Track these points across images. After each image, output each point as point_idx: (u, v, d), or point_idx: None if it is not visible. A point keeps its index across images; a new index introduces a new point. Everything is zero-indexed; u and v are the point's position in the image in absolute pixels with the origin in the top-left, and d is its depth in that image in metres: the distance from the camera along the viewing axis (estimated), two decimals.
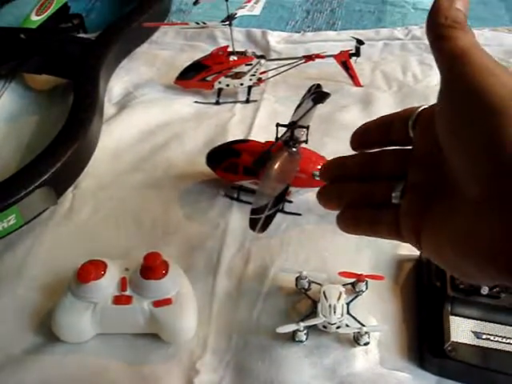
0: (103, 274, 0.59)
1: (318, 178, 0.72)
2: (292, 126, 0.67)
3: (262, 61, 0.98)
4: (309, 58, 0.97)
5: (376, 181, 0.45)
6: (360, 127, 0.47)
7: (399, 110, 0.44)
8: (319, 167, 0.71)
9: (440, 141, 0.36)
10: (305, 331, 0.60)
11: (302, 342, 0.60)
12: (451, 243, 0.34)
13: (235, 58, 0.96)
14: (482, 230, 0.31)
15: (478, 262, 0.32)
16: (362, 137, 0.47)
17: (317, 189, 0.73)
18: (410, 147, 0.43)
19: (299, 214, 0.76)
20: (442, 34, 0.36)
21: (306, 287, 0.65)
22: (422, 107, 0.41)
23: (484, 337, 0.58)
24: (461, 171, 0.34)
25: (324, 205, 0.49)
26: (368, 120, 0.47)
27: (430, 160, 0.39)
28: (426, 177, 0.40)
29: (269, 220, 0.65)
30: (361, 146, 0.47)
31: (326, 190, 0.49)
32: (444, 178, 0.37)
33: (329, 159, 0.50)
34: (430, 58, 1.07)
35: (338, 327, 0.59)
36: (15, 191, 0.70)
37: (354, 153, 0.48)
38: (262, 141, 0.76)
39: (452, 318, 0.59)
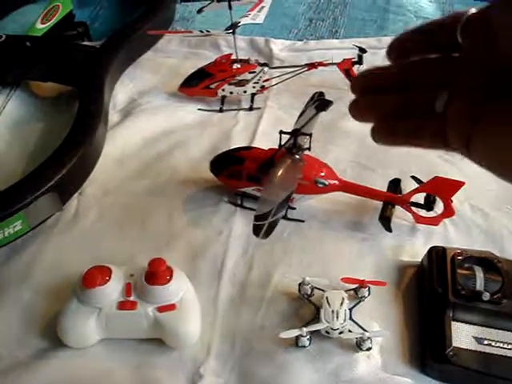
0: (108, 280, 0.60)
1: (321, 185, 0.72)
2: (295, 133, 0.67)
3: (265, 69, 0.98)
4: (312, 65, 0.98)
5: (415, 90, 0.42)
6: (400, 35, 0.43)
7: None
8: (322, 174, 0.73)
9: (501, 37, 0.34)
10: (308, 336, 0.61)
11: (305, 347, 0.61)
12: (507, 148, 0.34)
13: (238, 66, 0.97)
14: None
15: None
16: (403, 45, 0.43)
17: (319, 196, 0.75)
18: (455, 54, 0.40)
19: (302, 221, 0.77)
20: None
21: (309, 293, 0.66)
22: (471, 11, 0.38)
23: (485, 342, 0.58)
24: None
25: (357, 116, 0.45)
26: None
27: (484, 65, 0.37)
28: (478, 83, 0.37)
29: (272, 226, 0.66)
30: (399, 54, 0.43)
31: (359, 102, 0.45)
32: (503, 82, 0.35)
33: (361, 71, 0.46)
34: None
35: (340, 332, 0.60)
36: (21, 197, 0.71)
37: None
38: (265, 148, 0.77)
39: (453, 324, 0.59)
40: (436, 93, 0.40)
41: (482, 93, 0.37)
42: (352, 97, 0.43)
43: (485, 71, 0.37)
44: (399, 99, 0.43)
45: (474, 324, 0.59)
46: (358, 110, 0.45)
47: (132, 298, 0.60)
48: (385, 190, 0.77)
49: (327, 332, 0.61)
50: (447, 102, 0.39)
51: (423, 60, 0.42)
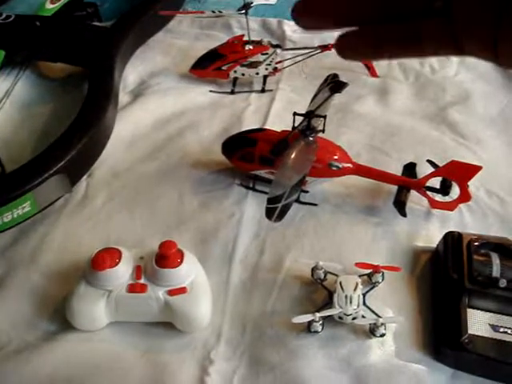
0: (118, 262, 0.59)
1: (334, 168, 0.71)
2: (309, 115, 0.66)
3: (278, 50, 0.97)
4: (325, 47, 0.96)
5: None
6: None
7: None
8: (336, 157, 0.72)
9: None
10: (320, 322, 0.60)
11: (317, 332, 0.60)
12: None
13: (251, 47, 0.96)
14: None
15: None
16: None
17: (333, 179, 0.74)
18: None
19: (315, 204, 0.76)
20: None
21: (322, 277, 0.65)
22: None
23: (501, 330, 0.57)
24: None
25: (315, 20, 0.32)
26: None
27: None
28: None
29: (285, 210, 0.65)
30: None
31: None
32: None
33: None
34: None
35: (353, 318, 0.59)
36: (30, 178, 0.70)
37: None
38: (277, 130, 0.75)
39: (469, 311, 0.58)
40: None
41: None
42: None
43: None
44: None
45: (490, 311, 0.58)
46: (315, 10, 0.31)
47: (142, 281, 0.59)
48: (399, 173, 0.76)
49: (340, 317, 0.60)
50: None
51: None
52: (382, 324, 0.59)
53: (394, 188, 0.74)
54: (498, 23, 0.27)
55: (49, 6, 1.12)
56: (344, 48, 0.32)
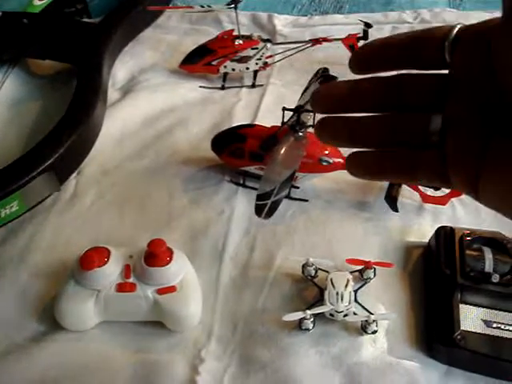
0: (106, 261, 0.59)
1: (325, 164, 0.71)
2: (298, 110, 0.65)
3: (268, 45, 0.96)
4: (316, 41, 0.96)
5: (399, 114, 0.36)
6: (368, 44, 0.36)
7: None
8: (326, 152, 0.71)
9: (500, 64, 0.29)
10: (311, 319, 0.59)
11: (308, 330, 0.59)
12: None
13: (241, 42, 0.95)
14: None
15: None
16: (373, 56, 0.36)
17: (323, 175, 0.73)
18: (444, 71, 0.34)
19: (306, 200, 0.75)
20: None
21: (313, 274, 0.64)
22: (459, 26, 0.33)
23: (494, 325, 0.57)
24: None
25: (327, 142, 0.39)
26: None
27: (480, 88, 0.31)
28: (474, 108, 0.32)
29: (275, 206, 0.64)
30: (369, 67, 0.36)
31: (328, 124, 0.38)
32: (505, 110, 0.30)
33: (325, 85, 0.39)
34: None
35: (345, 315, 0.59)
36: (18, 177, 0.70)
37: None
38: (268, 125, 0.75)
39: (462, 307, 0.58)
40: (426, 116, 0.35)
41: (483, 122, 0.31)
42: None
43: (483, 97, 0.31)
44: (381, 123, 0.36)
45: (483, 306, 0.58)
46: (327, 134, 0.38)
47: (131, 280, 0.59)
48: None
49: (331, 315, 0.59)
50: (442, 130, 0.34)
51: (404, 76, 0.36)
52: (374, 321, 0.59)
53: (386, 183, 0.74)
54: (483, 155, 0.31)
55: (37, 2, 1.11)
56: (353, 167, 0.38)
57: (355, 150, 0.37)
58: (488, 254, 0.60)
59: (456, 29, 0.32)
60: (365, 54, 0.37)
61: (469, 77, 0.32)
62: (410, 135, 0.35)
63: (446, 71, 0.34)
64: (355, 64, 0.36)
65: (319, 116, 0.38)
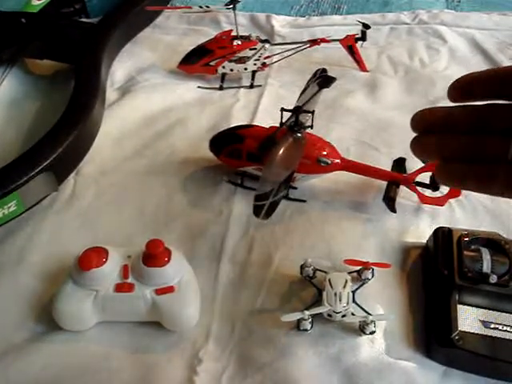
0: (105, 262, 0.58)
1: (323, 164, 0.71)
2: (297, 110, 0.65)
3: (267, 45, 0.97)
4: (314, 42, 0.96)
5: (485, 135, 0.42)
6: (463, 77, 0.43)
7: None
8: (325, 153, 0.71)
9: None
10: (309, 320, 0.59)
11: (306, 330, 0.59)
12: None
13: (239, 43, 0.95)
14: None
15: None
16: (468, 87, 0.43)
17: (321, 175, 0.73)
18: None
19: (304, 201, 0.75)
20: None
21: (311, 275, 0.64)
22: None
23: (492, 326, 0.57)
24: None
25: (419, 155, 0.47)
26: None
27: None
28: None
29: (273, 207, 0.64)
30: (464, 96, 0.43)
31: (423, 140, 0.46)
32: None
33: (422, 109, 0.46)
34: (438, 43, 1.06)
35: (343, 316, 0.59)
36: (16, 177, 0.69)
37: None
38: (267, 126, 0.75)
39: (459, 307, 0.58)
40: (508, 139, 0.40)
41: None
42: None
43: None
44: (468, 142, 0.43)
45: (481, 307, 0.58)
46: (422, 149, 0.46)
47: (129, 280, 0.59)
48: (389, 169, 0.76)
49: (329, 315, 0.59)
50: None
51: (491, 105, 0.42)
52: (372, 321, 0.59)
53: (384, 184, 0.74)
54: None
55: (35, 2, 1.11)
56: (442, 176, 0.45)
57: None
58: (486, 255, 0.60)
59: None
60: (460, 85, 0.43)
61: None
62: (492, 154, 0.41)
63: None
64: (452, 94, 0.43)
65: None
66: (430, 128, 0.45)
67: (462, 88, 0.43)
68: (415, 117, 0.46)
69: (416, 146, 0.46)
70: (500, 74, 0.42)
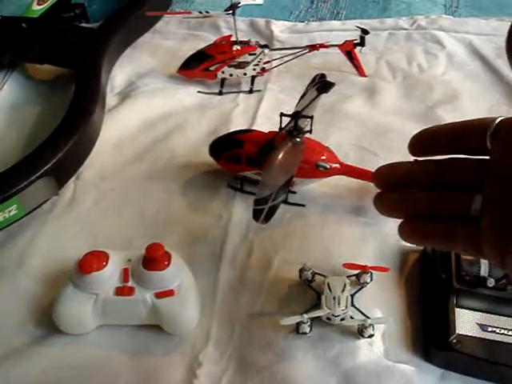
0: (105, 265, 0.59)
1: (322, 169, 0.71)
2: (296, 115, 0.66)
3: (266, 50, 0.97)
4: (313, 47, 0.97)
5: (446, 191, 0.43)
6: (423, 131, 0.45)
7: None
8: (323, 157, 0.71)
9: None
10: (308, 323, 0.59)
11: (305, 333, 0.60)
12: None
13: (238, 48, 0.95)
14: None
15: None
16: (428, 142, 0.45)
17: (320, 180, 0.74)
18: (485, 157, 0.41)
19: (303, 205, 0.75)
20: None
21: (310, 279, 0.64)
22: (501, 118, 0.40)
23: (490, 329, 0.57)
24: None
25: (383, 212, 0.47)
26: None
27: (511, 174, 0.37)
28: (508, 191, 0.38)
29: (272, 211, 0.65)
30: (425, 151, 0.45)
31: (386, 197, 0.47)
32: None
33: (383, 164, 0.47)
34: (436, 48, 1.06)
35: (342, 319, 0.59)
36: (16, 181, 0.69)
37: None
38: (266, 131, 0.75)
39: (457, 311, 0.58)
40: (469, 195, 0.41)
41: None
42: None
43: None
44: (430, 199, 0.43)
45: (479, 311, 0.58)
46: (385, 206, 0.47)
47: (129, 284, 0.59)
48: None
49: (328, 318, 0.60)
50: (482, 207, 0.39)
51: (454, 160, 0.43)
52: (371, 325, 0.59)
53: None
54: (508, 237, 0.36)
55: (36, 7, 1.11)
56: (404, 235, 0.45)
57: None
58: (483, 259, 0.60)
59: (497, 121, 0.39)
60: (419, 141, 0.45)
61: (506, 162, 0.38)
62: (453, 211, 0.42)
63: (488, 157, 0.40)
64: (412, 150, 0.45)
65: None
66: (392, 184, 0.46)
67: (420, 144, 0.45)
68: (377, 173, 0.47)
69: (379, 203, 0.47)
70: (458, 129, 0.43)
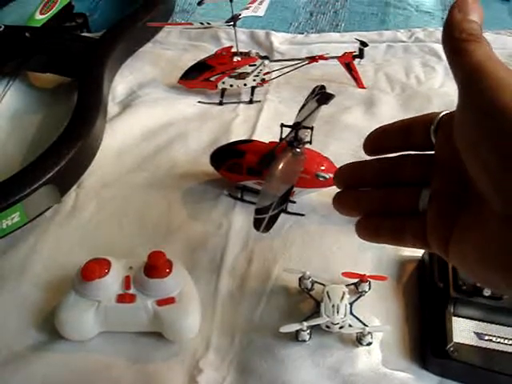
0: (107, 273, 0.59)
1: (321, 179, 0.72)
2: (296, 126, 0.67)
3: (266, 61, 0.98)
4: (312, 59, 0.97)
5: (397, 187, 0.44)
6: (375, 131, 0.46)
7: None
8: (323, 168, 0.72)
9: (460, 153, 0.35)
10: (308, 331, 0.60)
11: (305, 341, 0.60)
12: (478, 254, 0.34)
13: (239, 59, 0.96)
14: (509, 243, 0.31)
15: (506, 276, 0.32)
16: (378, 141, 0.46)
17: (320, 190, 0.74)
18: (431, 152, 0.42)
19: (302, 215, 0.76)
20: (457, 48, 0.35)
21: (309, 287, 0.65)
22: (444, 112, 0.41)
23: (486, 338, 0.58)
24: (483, 184, 0.34)
25: (342, 212, 0.48)
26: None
27: (454, 167, 0.38)
28: (451, 184, 0.39)
29: (273, 220, 0.65)
30: (377, 150, 0.46)
31: (343, 197, 0.48)
32: (468, 187, 0.36)
33: (343, 165, 0.48)
34: (433, 61, 1.07)
35: (340, 327, 0.60)
36: (19, 189, 0.70)
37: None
38: (266, 141, 0.76)
39: (454, 319, 0.59)
40: (417, 191, 0.42)
41: (458, 196, 0.38)
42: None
43: (456, 175, 0.38)
44: (382, 196, 0.45)
45: (475, 319, 0.59)
46: (342, 205, 0.48)
47: (131, 291, 0.60)
48: None
49: (327, 326, 0.60)
50: (429, 201, 0.41)
51: (402, 157, 0.44)
52: (369, 333, 0.60)
53: None
54: (450, 227, 0.37)
55: (38, 16, 1.12)
56: (359, 231, 0.47)
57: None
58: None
59: (440, 115, 0.40)
60: (371, 140, 0.46)
61: (448, 156, 0.39)
62: (403, 207, 0.43)
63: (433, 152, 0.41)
64: (366, 150, 0.46)
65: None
66: (348, 183, 0.48)
67: (372, 143, 0.46)
68: (336, 174, 0.49)
69: (337, 203, 0.48)
70: (405, 126, 0.43)
